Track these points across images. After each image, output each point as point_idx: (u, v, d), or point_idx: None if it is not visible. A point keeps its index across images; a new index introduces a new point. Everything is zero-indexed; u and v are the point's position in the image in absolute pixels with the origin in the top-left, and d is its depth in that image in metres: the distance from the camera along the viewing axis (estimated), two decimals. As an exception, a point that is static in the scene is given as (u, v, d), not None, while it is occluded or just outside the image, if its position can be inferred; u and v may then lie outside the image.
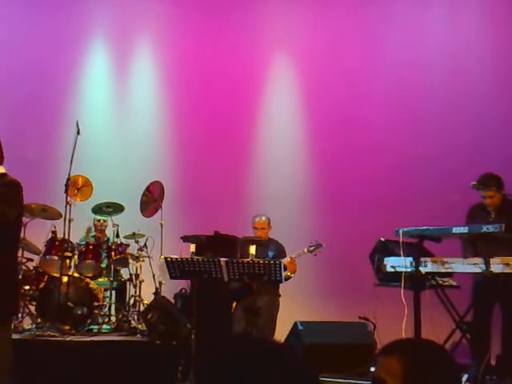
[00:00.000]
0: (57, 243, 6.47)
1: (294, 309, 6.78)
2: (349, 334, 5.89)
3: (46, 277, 6.41)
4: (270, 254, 5.90)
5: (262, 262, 5.16)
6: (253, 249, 5.34)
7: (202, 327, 5.45)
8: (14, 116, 8.23)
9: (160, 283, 6.66)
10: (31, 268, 6.53)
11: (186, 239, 6.22)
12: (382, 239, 5.29)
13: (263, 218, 6.20)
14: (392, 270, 4.93)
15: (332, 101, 8.29)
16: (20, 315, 6.26)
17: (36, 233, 6.82)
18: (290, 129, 8.54)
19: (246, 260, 5.25)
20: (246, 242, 5.72)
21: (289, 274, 5.85)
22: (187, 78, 8.51)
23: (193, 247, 5.66)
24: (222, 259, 5.27)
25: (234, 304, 6.03)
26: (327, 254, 6.33)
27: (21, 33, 8.41)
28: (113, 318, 6.66)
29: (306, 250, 5.87)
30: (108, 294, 6.76)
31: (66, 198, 6.32)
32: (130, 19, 8.62)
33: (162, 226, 6.84)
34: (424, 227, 4.95)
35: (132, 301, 6.74)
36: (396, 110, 8.17)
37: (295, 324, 5.89)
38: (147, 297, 6.72)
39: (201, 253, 5.74)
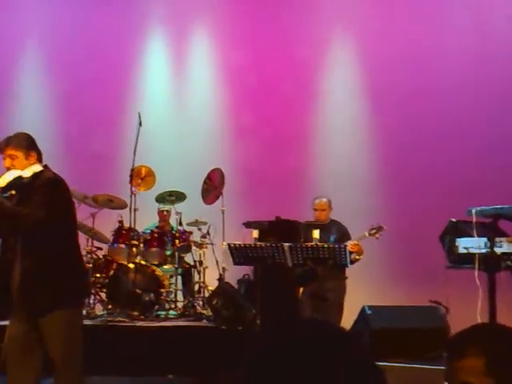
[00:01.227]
0: (123, 232, 6.66)
1: (362, 293, 6.73)
2: (420, 318, 5.72)
3: (115, 265, 6.60)
4: (332, 237, 5.84)
5: (326, 246, 5.15)
6: (316, 233, 5.33)
7: (267, 313, 5.51)
8: (79, 110, 8.47)
9: (223, 269, 6.75)
10: (100, 256, 6.76)
11: (249, 225, 6.29)
12: (454, 220, 5.13)
13: (324, 200, 6.12)
14: (465, 251, 4.76)
15: (396, 81, 8.14)
16: (92, 302, 6.51)
17: (104, 222, 7.04)
18: (352, 109, 8.42)
19: (309, 244, 5.25)
20: (309, 226, 5.71)
21: (357, 257, 5.75)
22: (244, 64, 8.53)
23: (255, 233, 5.72)
24: (286, 244, 5.30)
25: (301, 290, 5.99)
26: (395, 236, 6.24)
27: (82, 26, 8.60)
28: (179, 304, 6.81)
29: (367, 234, 5.73)
30: (173, 280, 6.90)
31: (131, 188, 6.49)
32: (186, 9, 8.69)
33: (223, 212, 6.92)
34: (499, 206, 4.78)
35: (197, 287, 6.88)
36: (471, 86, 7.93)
37: (363, 308, 5.83)
38: (211, 283, 6.84)
39: (263, 238, 5.79)
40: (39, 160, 3.53)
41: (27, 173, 3.41)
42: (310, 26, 8.51)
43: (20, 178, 3.39)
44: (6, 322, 3.65)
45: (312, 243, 5.31)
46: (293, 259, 5.35)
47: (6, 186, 3.32)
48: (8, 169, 3.42)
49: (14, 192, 3.34)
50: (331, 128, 8.41)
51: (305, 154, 8.38)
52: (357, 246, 5.69)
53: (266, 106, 8.47)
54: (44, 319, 3.35)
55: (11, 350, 3.43)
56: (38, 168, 3.48)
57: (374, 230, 5.71)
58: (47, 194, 3.35)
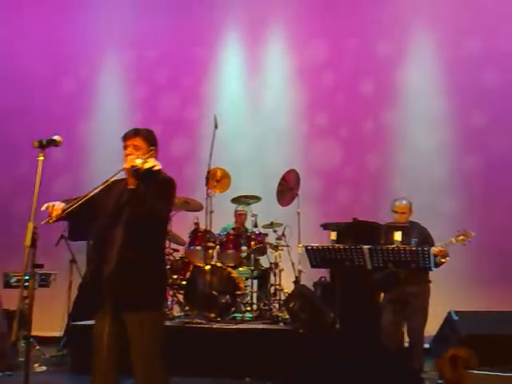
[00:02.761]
0: (199, 234, 6.69)
1: (447, 297, 6.48)
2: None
3: (192, 266, 6.64)
4: (414, 240, 5.60)
5: (408, 248, 4.96)
6: (398, 235, 5.14)
7: (347, 316, 5.38)
8: (157, 114, 8.61)
9: (299, 272, 6.66)
10: (177, 258, 6.81)
11: (326, 227, 6.18)
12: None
13: (404, 202, 5.88)
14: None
15: (480, 78, 7.83)
16: (170, 303, 6.57)
17: (180, 225, 7.10)
18: (433, 107, 8.14)
19: (390, 247, 5.08)
20: (390, 228, 5.52)
21: (442, 260, 5.49)
22: (320, 63, 8.43)
23: (333, 235, 5.60)
24: (365, 246, 5.14)
25: (382, 294, 5.81)
26: (484, 240, 5.94)
27: (160, 32, 8.75)
28: (255, 307, 6.78)
29: (453, 240, 5.38)
30: (249, 282, 6.88)
31: (207, 191, 6.50)
32: (261, 11, 8.68)
33: (298, 214, 6.83)
34: None
35: (273, 289, 6.81)
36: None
37: (449, 314, 5.59)
38: (287, 285, 6.76)
39: (341, 240, 5.66)
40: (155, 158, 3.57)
41: (159, 166, 3.42)
42: (388, 21, 8.32)
43: (153, 167, 3.36)
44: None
45: (393, 245, 5.13)
46: (373, 262, 5.18)
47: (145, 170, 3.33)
48: (128, 156, 3.42)
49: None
50: (411, 127, 8.16)
51: (383, 154, 8.17)
52: (443, 252, 5.43)
53: (343, 105, 8.33)
54: (133, 316, 3.34)
55: (97, 349, 3.45)
56: (159, 166, 3.49)
57: (462, 237, 5.40)
58: (168, 191, 3.41)
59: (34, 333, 5.18)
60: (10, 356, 6.02)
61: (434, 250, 5.36)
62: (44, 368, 6.12)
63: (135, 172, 3.21)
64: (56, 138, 3.37)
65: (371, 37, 8.39)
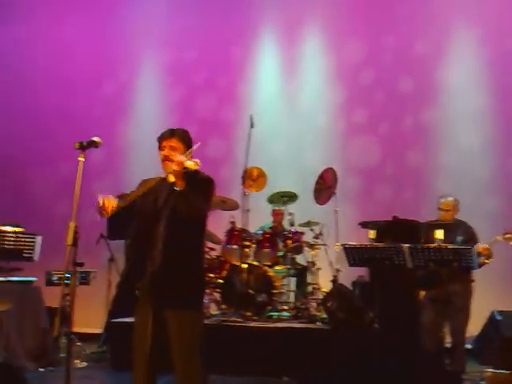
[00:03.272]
0: (236, 233, 6.70)
1: (490, 297, 6.33)
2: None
3: (228, 265, 6.65)
4: (459, 238, 5.48)
5: (450, 247, 4.86)
6: (440, 233, 5.03)
7: (386, 316, 5.31)
8: (194, 114, 8.65)
9: (337, 271, 6.61)
10: (214, 257, 6.83)
11: (365, 225, 6.12)
12: None
13: (449, 199, 5.73)
14: None
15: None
16: (207, 302, 6.59)
17: (216, 224, 7.10)
18: (475, 104, 7.96)
19: (432, 245, 4.99)
20: (431, 226, 5.42)
21: (485, 260, 5.36)
22: (357, 60, 8.35)
23: (372, 233, 5.53)
24: (405, 245, 5.07)
25: (422, 292, 5.71)
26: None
27: (195, 33, 8.79)
28: (292, 306, 6.75)
29: (499, 239, 5.27)
30: (286, 281, 6.85)
31: (243, 190, 6.50)
32: (297, 10, 8.64)
33: (336, 212, 6.78)
34: None
35: (310, 288, 6.78)
36: None
37: (492, 314, 5.46)
38: (325, 284, 6.72)
39: (380, 239, 5.59)
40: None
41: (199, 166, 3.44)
42: (426, 18, 8.19)
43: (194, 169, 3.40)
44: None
45: (434, 244, 5.04)
46: (413, 261, 5.09)
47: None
48: (166, 157, 3.44)
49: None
50: (453, 124, 8.00)
51: (424, 152, 8.03)
52: (487, 250, 5.30)
53: (381, 103, 8.24)
54: (175, 313, 3.36)
55: (137, 346, 3.48)
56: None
57: (509, 235, 5.26)
58: (208, 190, 3.42)
59: (74, 329, 5.30)
60: (51, 352, 6.14)
61: (478, 246, 5.26)
62: (85, 364, 6.21)
63: (185, 174, 3.19)
64: (95, 139, 3.42)
65: (409, 34, 8.27)
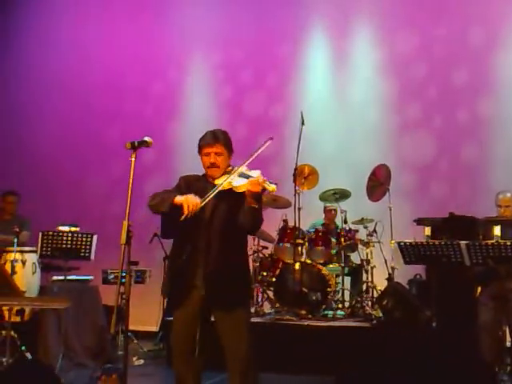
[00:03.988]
0: (288, 231, 6.67)
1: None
2: None
3: (281, 263, 6.64)
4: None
5: (509, 243, 4.70)
6: (497, 229, 4.89)
7: (444, 315, 5.19)
8: (243, 114, 8.67)
9: (393, 269, 6.50)
10: (267, 255, 6.83)
11: (421, 222, 5.99)
12: None
13: (508, 195, 5.54)
14: None
15: None
16: (260, 300, 6.60)
17: (268, 222, 7.08)
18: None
19: (490, 242, 4.84)
20: (489, 222, 5.26)
21: None
22: (409, 53, 8.17)
23: (428, 230, 5.43)
24: (462, 242, 4.93)
25: (479, 289, 5.55)
26: None
27: (243, 30, 8.78)
28: (346, 304, 6.68)
29: None
30: (340, 279, 6.79)
31: (295, 188, 6.47)
32: (347, 5, 8.53)
33: (390, 209, 6.67)
34: None
35: (364, 287, 6.69)
36: None
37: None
38: (380, 283, 6.61)
39: (437, 236, 5.47)
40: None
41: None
42: (480, 7, 7.94)
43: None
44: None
45: (493, 241, 4.88)
46: (471, 258, 4.95)
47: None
48: (212, 164, 3.48)
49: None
50: (510, 116, 7.73)
51: (480, 146, 7.78)
52: None
53: (435, 96, 8.04)
54: (226, 314, 3.40)
55: (178, 344, 3.51)
56: None
57: None
58: (262, 199, 3.44)
59: (130, 328, 5.40)
60: (109, 349, 6.27)
61: None
62: (142, 361, 6.31)
63: (259, 196, 3.27)
64: (147, 139, 3.45)
65: (462, 24, 8.03)
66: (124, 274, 3.39)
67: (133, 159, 3.34)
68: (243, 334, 3.42)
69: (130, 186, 3.31)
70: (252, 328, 3.52)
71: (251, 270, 6.62)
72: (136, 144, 3.38)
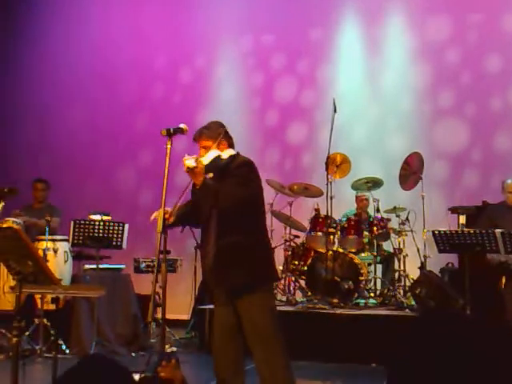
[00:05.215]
0: (320, 220, 6.64)
1: None
2: None
3: (313, 252, 6.62)
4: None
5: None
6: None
7: (477, 303, 5.12)
8: (274, 101, 8.60)
9: (425, 257, 6.44)
10: (298, 244, 6.82)
11: (455, 210, 5.92)
12: None
13: None
14: None
15: None
16: (292, 289, 6.60)
17: (300, 211, 7.10)
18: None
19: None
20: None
21: None
22: (442, 39, 8.02)
23: (462, 219, 5.37)
24: (498, 230, 4.88)
25: (503, 280, 5.49)
26: None
27: (274, 15, 8.63)
28: (378, 293, 6.65)
29: None
30: (372, 268, 6.75)
31: (327, 176, 6.43)
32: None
33: (423, 198, 6.59)
34: None
35: (397, 275, 6.64)
36: None
37: None
38: (412, 271, 6.56)
39: (471, 225, 5.40)
40: (231, 146, 3.59)
41: (225, 155, 3.48)
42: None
43: (219, 158, 3.47)
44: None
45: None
46: (506, 246, 4.90)
47: (207, 164, 3.40)
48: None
49: (211, 174, 3.41)
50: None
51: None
52: None
53: (468, 83, 7.89)
54: (242, 300, 3.40)
55: (216, 332, 3.56)
56: (232, 151, 3.55)
57: None
58: (245, 175, 3.41)
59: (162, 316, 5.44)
60: (142, 337, 6.34)
61: None
62: (174, 349, 6.34)
63: (193, 173, 3.25)
64: (182, 126, 3.45)
65: (497, 10, 7.86)
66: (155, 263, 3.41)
67: (168, 146, 3.34)
68: (255, 321, 3.38)
69: (166, 174, 3.29)
70: (269, 308, 3.47)
71: (283, 259, 6.72)
72: (172, 131, 3.37)
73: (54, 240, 6.04)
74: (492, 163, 7.66)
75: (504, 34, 7.79)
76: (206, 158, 3.43)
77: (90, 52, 9.33)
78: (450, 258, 6.50)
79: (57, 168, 8.88)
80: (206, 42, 8.97)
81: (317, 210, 6.73)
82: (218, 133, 3.53)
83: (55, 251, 6.01)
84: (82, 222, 5.90)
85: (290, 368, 3.48)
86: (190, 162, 3.23)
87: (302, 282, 6.65)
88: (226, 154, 3.51)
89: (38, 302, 5.76)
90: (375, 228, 6.67)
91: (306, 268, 6.51)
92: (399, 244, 6.65)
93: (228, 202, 3.31)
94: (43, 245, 5.89)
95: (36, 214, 6.62)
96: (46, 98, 9.45)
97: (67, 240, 6.01)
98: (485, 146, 7.75)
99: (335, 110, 6.37)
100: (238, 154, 3.57)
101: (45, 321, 5.70)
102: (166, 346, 6.23)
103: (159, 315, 5.80)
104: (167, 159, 3.32)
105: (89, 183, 9.08)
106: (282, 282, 6.72)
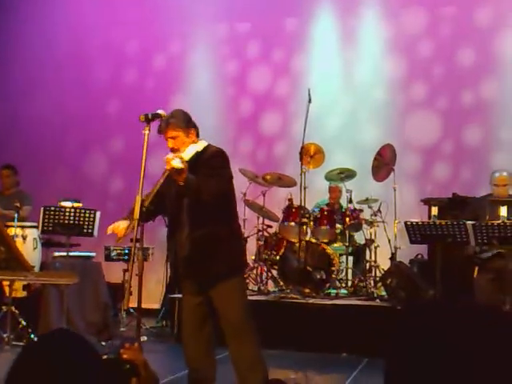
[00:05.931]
0: (293, 210, 6.65)
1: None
2: None
3: (285, 242, 6.64)
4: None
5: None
6: (503, 210, 4.91)
7: (447, 293, 5.21)
8: (247, 90, 8.57)
9: (396, 248, 6.52)
10: (271, 234, 6.82)
11: (427, 202, 6.00)
12: None
13: (504, 174, 5.54)
14: None
15: None
16: (264, 278, 6.61)
17: (274, 201, 7.10)
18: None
19: (496, 222, 4.86)
20: (495, 202, 5.28)
21: None
22: (416, 32, 8.06)
23: (434, 210, 5.43)
24: (469, 222, 4.96)
25: (476, 270, 5.59)
26: None
27: (249, 2, 8.55)
28: (349, 283, 6.71)
29: None
30: (344, 259, 6.80)
31: (301, 167, 6.43)
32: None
33: (395, 189, 6.66)
34: None
35: (368, 266, 6.71)
36: None
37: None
38: (383, 262, 6.63)
39: (442, 216, 5.48)
40: (197, 135, 3.54)
41: (200, 147, 3.45)
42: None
43: (198, 153, 3.43)
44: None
45: (499, 221, 4.90)
46: (476, 238, 4.99)
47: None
48: (172, 150, 3.45)
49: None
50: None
51: (484, 128, 7.73)
52: None
53: (440, 76, 7.97)
54: (216, 289, 3.43)
55: (186, 322, 3.57)
56: (204, 142, 3.52)
57: None
58: (219, 166, 3.41)
59: (132, 305, 5.40)
60: (112, 326, 6.28)
61: None
62: (145, 338, 6.32)
63: (178, 172, 3.16)
64: (160, 111, 3.42)
65: (470, 3, 7.95)
66: (127, 252, 3.39)
67: (146, 132, 3.30)
68: (231, 302, 3.44)
69: (144, 160, 3.27)
70: (240, 296, 3.56)
71: (255, 249, 6.72)
72: (150, 117, 3.33)
73: (23, 227, 5.94)
74: (463, 156, 7.78)
75: (476, 27, 7.87)
76: (186, 155, 3.38)
77: (64, 34, 9.08)
78: (419, 250, 6.58)
79: (27, 153, 8.70)
80: (180, 28, 8.84)
81: (290, 200, 6.73)
82: (185, 121, 3.48)
83: (24, 238, 5.91)
84: (53, 208, 5.79)
85: (263, 356, 3.52)
86: (176, 163, 3.12)
87: (275, 272, 6.67)
88: (201, 146, 3.48)
89: (6, 289, 5.66)
90: (347, 219, 6.70)
91: (278, 258, 6.54)
92: (371, 235, 6.71)
93: (207, 195, 3.29)
94: (12, 231, 5.78)
95: (6, 200, 6.50)
96: (17, 80, 9.23)
97: (37, 227, 5.90)
98: (456, 138, 7.85)
99: (310, 100, 6.37)
100: (209, 144, 3.55)
101: (13, 308, 5.60)
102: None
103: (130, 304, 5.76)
104: (145, 145, 3.29)
105: (59, 169, 8.91)
106: (255, 271, 6.72)
